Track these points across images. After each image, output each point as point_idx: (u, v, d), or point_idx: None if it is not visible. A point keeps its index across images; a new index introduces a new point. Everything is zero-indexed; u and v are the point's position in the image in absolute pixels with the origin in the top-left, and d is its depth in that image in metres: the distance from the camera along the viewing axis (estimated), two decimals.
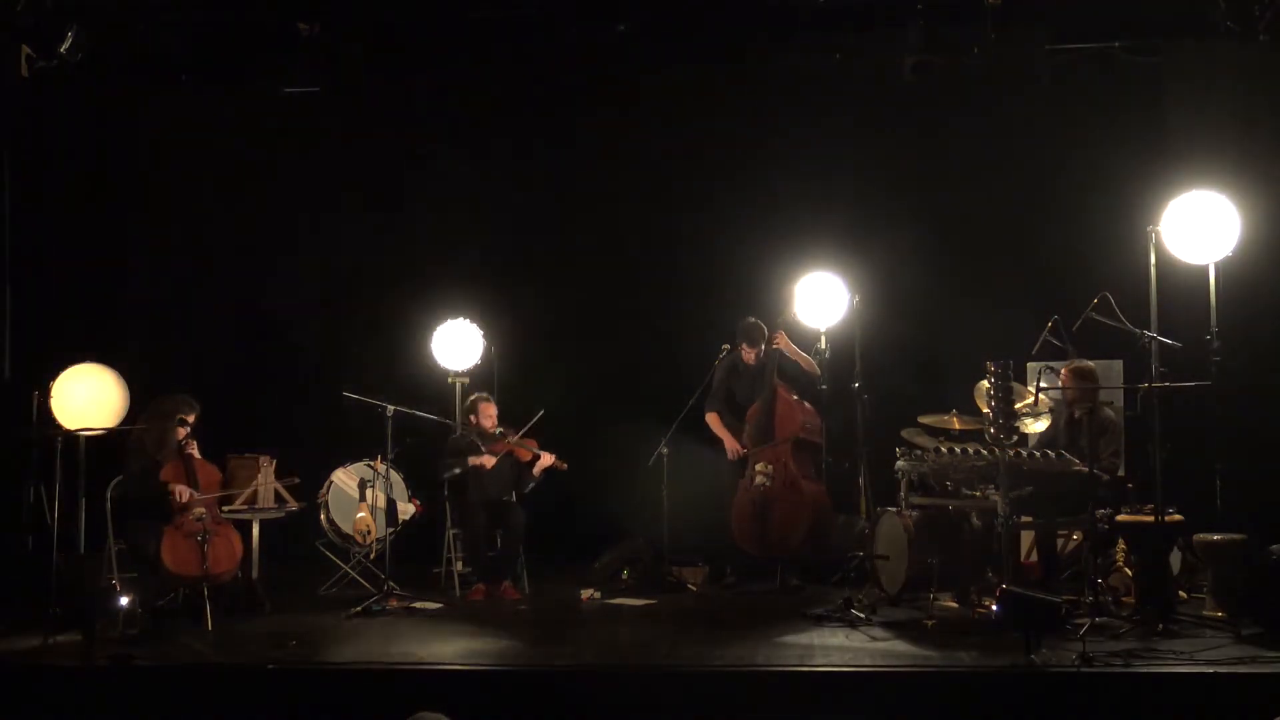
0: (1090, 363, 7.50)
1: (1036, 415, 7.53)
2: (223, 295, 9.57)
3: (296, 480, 7.87)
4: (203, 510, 7.19)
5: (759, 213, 9.13)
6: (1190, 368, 7.11)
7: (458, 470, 8.06)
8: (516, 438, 8.17)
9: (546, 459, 8.14)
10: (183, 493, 7.15)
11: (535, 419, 8.16)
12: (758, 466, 8.12)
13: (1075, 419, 7.33)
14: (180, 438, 7.38)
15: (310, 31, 8.48)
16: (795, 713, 5.72)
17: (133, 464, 7.33)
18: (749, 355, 8.31)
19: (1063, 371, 7.41)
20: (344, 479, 8.24)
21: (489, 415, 8.24)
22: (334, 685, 6.03)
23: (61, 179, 9.33)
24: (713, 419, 8.39)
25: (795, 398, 8.22)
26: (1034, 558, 7.41)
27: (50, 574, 7.24)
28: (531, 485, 8.22)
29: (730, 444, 8.29)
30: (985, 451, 6.94)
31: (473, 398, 8.35)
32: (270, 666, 6.14)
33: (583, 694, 5.86)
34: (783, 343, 8.19)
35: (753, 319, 8.33)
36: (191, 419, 7.36)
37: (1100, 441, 7.01)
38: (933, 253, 8.94)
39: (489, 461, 8.08)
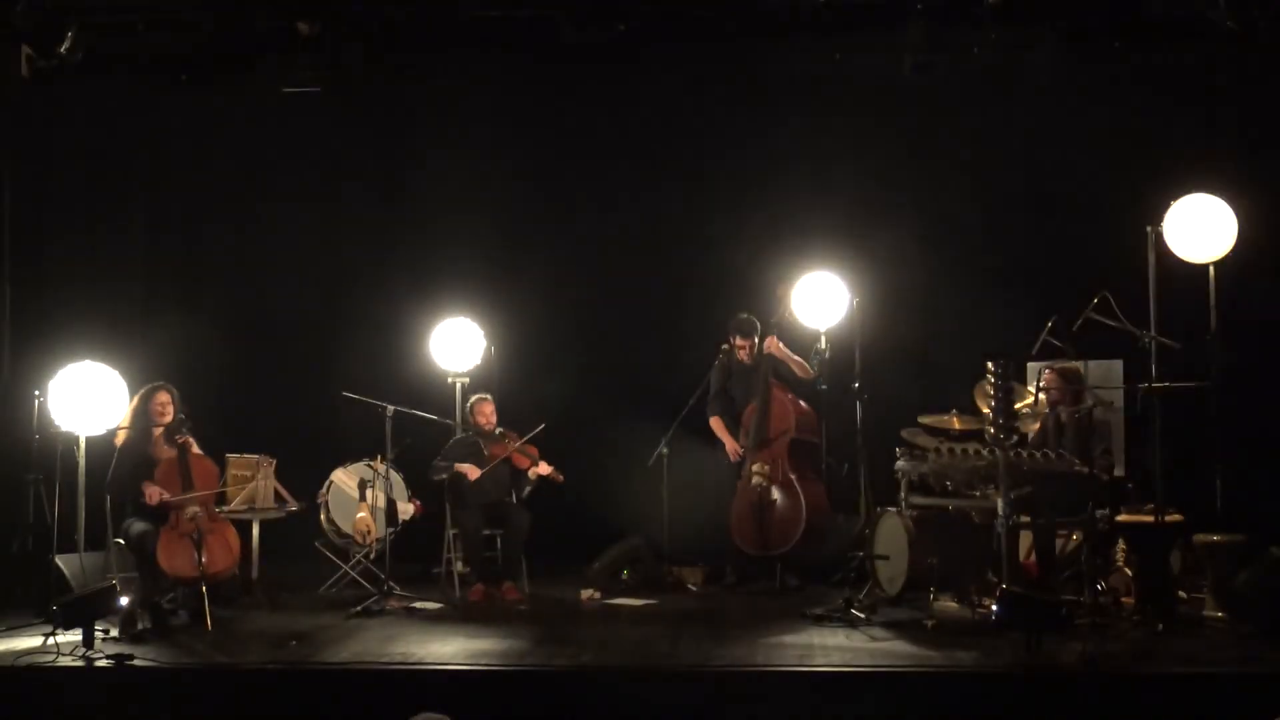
0: (1074, 363, 7.52)
1: (1036, 415, 7.54)
2: (222, 295, 9.58)
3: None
4: (197, 509, 7.17)
5: (759, 212, 9.14)
6: (1190, 368, 7.11)
7: (444, 475, 8.06)
8: (518, 444, 8.16)
9: (543, 469, 8.12)
10: (153, 494, 7.14)
11: (536, 431, 8.14)
12: (754, 467, 8.12)
13: (1062, 420, 7.34)
14: (161, 433, 7.36)
15: (310, 31, 8.47)
16: (795, 713, 5.72)
17: (122, 462, 7.32)
18: (743, 349, 8.30)
19: (1045, 374, 7.44)
20: (344, 479, 8.24)
21: (484, 414, 8.24)
22: (334, 685, 6.02)
23: (62, 179, 9.32)
24: (715, 423, 8.40)
25: (790, 397, 8.22)
26: (1034, 558, 7.41)
27: (50, 574, 7.25)
28: (529, 489, 8.20)
29: (731, 446, 8.29)
30: (985, 451, 6.93)
31: (473, 399, 8.35)
32: (270, 666, 6.13)
33: (583, 694, 5.86)
34: (773, 347, 8.19)
35: (745, 314, 8.34)
36: (170, 400, 7.34)
37: (1090, 441, 6.98)
38: (933, 253, 8.95)
39: (472, 472, 8.03)
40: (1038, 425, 7.54)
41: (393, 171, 9.60)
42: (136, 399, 7.39)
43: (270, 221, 9.57)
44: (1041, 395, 7.38)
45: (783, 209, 9.08)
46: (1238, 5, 7.98)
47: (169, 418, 7.35)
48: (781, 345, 8.20)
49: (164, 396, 7.38)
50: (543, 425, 8.14)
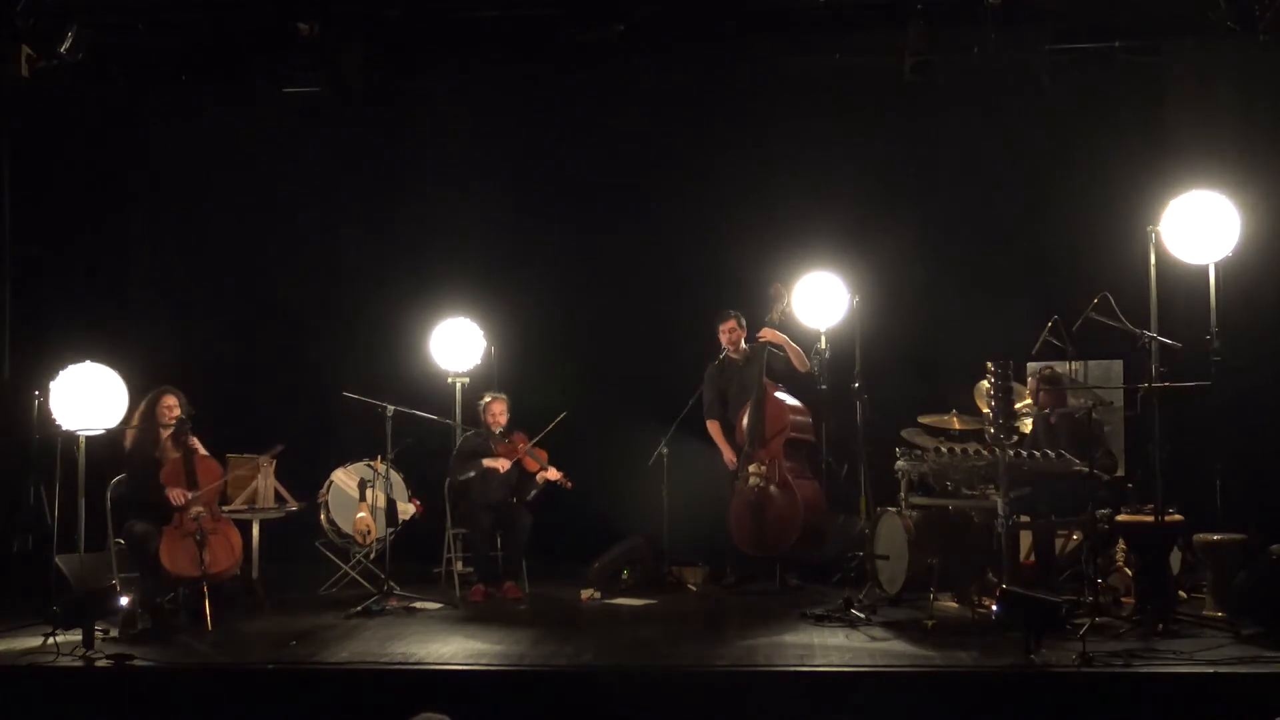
0: (1057, 366, 7.56)
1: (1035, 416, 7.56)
2: (223, 295, 9.57)
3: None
4: (201, 509, 7.18)
5: (759, 212, 9.13)
6: (1190, 368, 7.12)
7: (473, 473, 8.06)
8: (529, 445, 8.15)
9: (552, 474, 8.12)
10: (177, 496, 7.16)
11: (555, 421, 8.13)
12: (751, 467, 8.10)
13: (1052, 423, 7.34)
14: (169, 435, 7.38)
15: (310, 31, 8.47)
16: (795, 713, 5.72)
17: (131, 464, 7.33)
18: (726, 337, 8.27)
19: (1030, 380, 7.46)
20: (344, 479, 8.24)
21: (493, 414, 8.23)
22: (334, 685, 6.02)
23: (62, 179, 9.33)
24: (713, 427, 8.38)
25: (785, 397, 8.20)
26: (1034, 558, 7.43)
27: (50, 574, 7.26)
28: (534, 493, 8.19)
29: (727, 455, 8.27)
30: (985, 451, 6.94)
31: (486, 398, 8.34)
32: (270, 666, 6.13)
33: (582, 694, 5.86)
34: (769, 335, 8.16)
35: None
36: (176, 408, 7.37)
37: (1087, 442, 6.97)
38: (932, 252, 8.96)
39: (502, 465, 8.06)
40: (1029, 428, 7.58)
41: (392, 171, 9.59)
42: (144, 403, 7.42)
43: (270, 221, 9.56)
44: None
45: (783, 209, 9.07)
46: (1238, 5, 7.99)
47: (175, 420, 7.38)
48: (777, 332, 8.15)
49: (170, 400, 7.40)
50: (564, 414, 8.13)
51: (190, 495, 7.18)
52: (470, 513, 8.04)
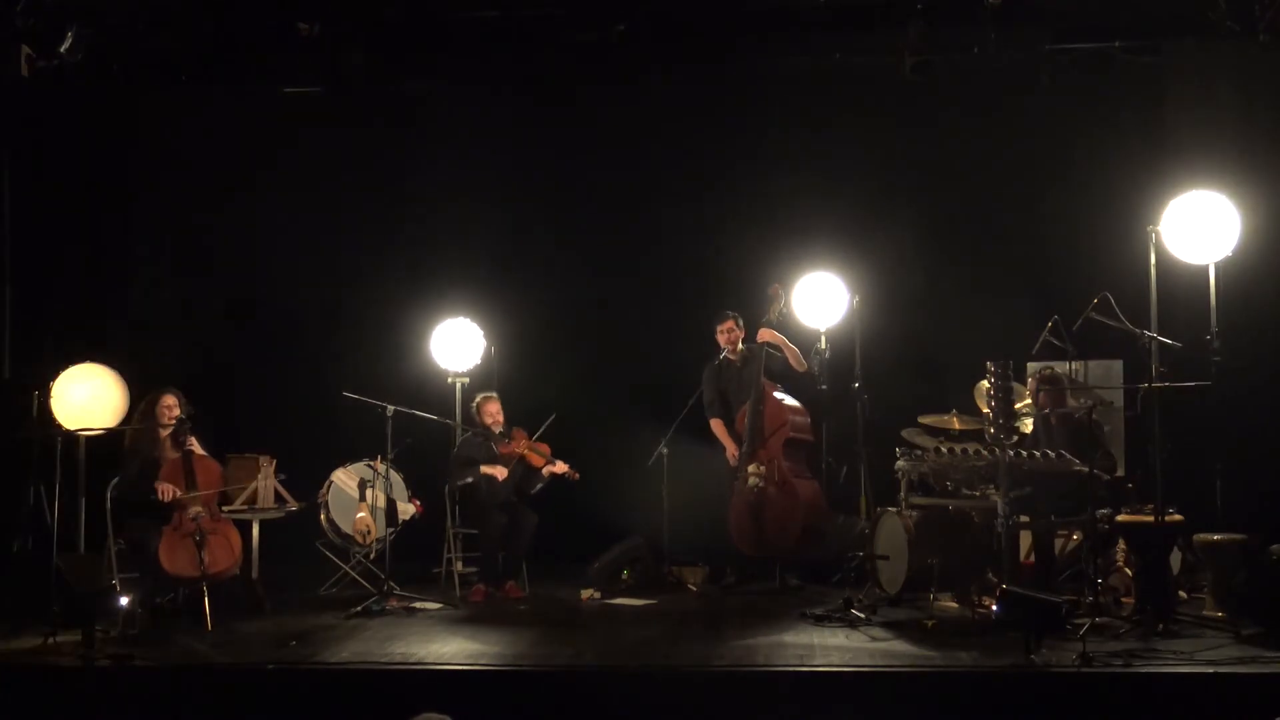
0: (1058, 367, 7.56)
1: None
2: (222, 295, 9.57)
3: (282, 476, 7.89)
4: (200, 509, 7.18)
5: (759, 213, 9.14)
6: (1190, 368, 7.12)
7: (470, 479, 8.06)
8: (527, 444, 8.16)
9: (559, 467, 8.13)
10: (166, 491, 7.16)
11: (547, 423, 8.15)
12: (750, 467, 8.10)
13: (1052, 423, 7.35)
14: (169, 435, 7.38)
15: (310, 31, 8.47)
16: (795, 713, 5.72)
17: (130, 464, 7.34)
18: (724, 338, 8.27)
19: (1030, 381, 7.45)
20: (344, 479, 8.23)
21: (490, 413, 8.23)
22: (334, 685, 6.02)
23: (61, 179, 9.33)
24: (715, 425, 8.36)
25: (783, 397, 8.20)
26: (1034, 558, 7.43)
27: (50, 574, 7.25)
28: (539, 487, 8.20)
29: (731, 450, 8.26)
30: (985, 451, 6.94)
31: (479, 397, 8.35)
32: (270, 666, 6.13)
33: (583, 694, 5.86)
34: (767, 335, 8.16)
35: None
36: (176, 408, 7.38)
37: (1085, 442, 6.97)
38: (933, 253, 8.96)
39: (501, 472, 8.06)
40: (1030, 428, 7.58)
41: (392, 171, 9.59)
42: (144, 403, 7.43)
43: (270, 221, 9.55)
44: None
45: (782, 209, 9.08)
46: (1238, 5, 7.99)
47: (175, 420, 7.38)
48: (775, 333, 8.15)
49: (170, 400, 7.42)
50: (554, 416, 8.16)
51: (180, 493, 7.17)
52: (481, 513, 8.03)
